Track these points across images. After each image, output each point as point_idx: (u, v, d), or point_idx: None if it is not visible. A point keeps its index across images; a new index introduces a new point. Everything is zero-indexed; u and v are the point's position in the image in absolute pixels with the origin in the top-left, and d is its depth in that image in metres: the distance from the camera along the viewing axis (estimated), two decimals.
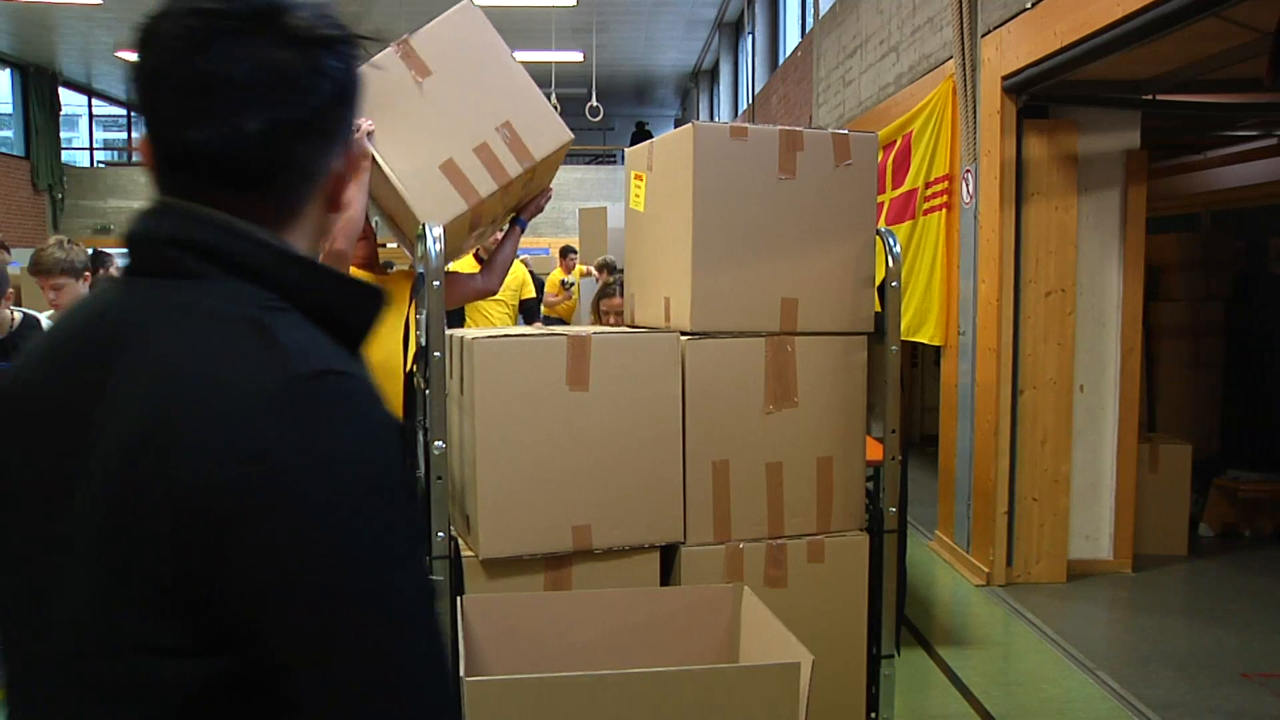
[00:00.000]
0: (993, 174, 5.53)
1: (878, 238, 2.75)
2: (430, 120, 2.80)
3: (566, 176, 22.17)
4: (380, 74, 2.73)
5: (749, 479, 2.62)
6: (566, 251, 10.83)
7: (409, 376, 3.03)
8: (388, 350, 3.11)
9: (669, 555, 2.63)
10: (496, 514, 2.47)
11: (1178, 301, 7.19)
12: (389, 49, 2.80)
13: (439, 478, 2.40)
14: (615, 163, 22.41)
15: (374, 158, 2.74)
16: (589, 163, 22.85)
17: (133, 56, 0.94)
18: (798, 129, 2.62)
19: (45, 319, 3.43)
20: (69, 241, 4.06)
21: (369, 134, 2.73)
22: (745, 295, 2.61)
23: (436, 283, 2.43)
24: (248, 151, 0.92)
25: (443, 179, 2.77)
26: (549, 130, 2.92)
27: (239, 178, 0.93)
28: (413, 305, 2.97)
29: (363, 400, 0.90)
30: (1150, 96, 5.70)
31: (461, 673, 2.05)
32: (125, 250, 0.98)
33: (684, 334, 2.59)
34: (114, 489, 0.86)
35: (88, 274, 4.05)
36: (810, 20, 11.13)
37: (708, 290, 2.58)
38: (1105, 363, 5.72)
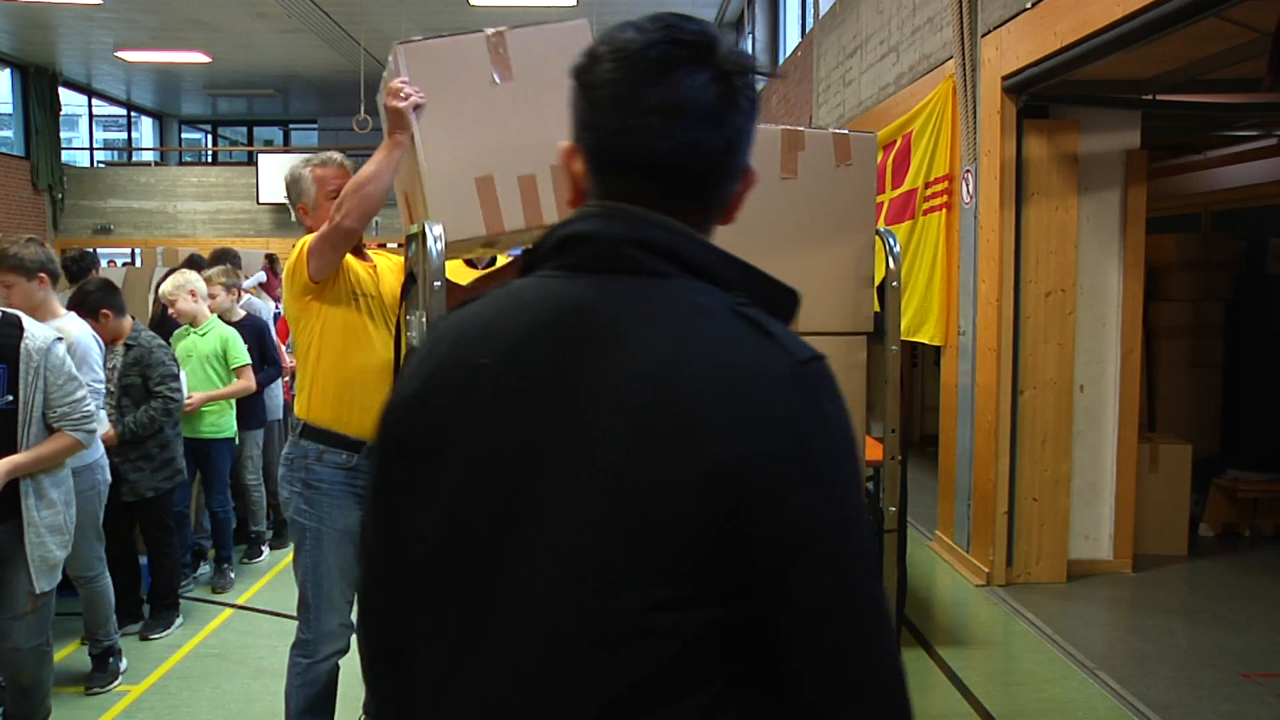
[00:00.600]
0: (993, 174, 5.53)
1: (877, 238, 2.75)
2: (489, 125, 2.59)
3: None
4: (459, 54, 2.58)
5: None
6: None
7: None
8: (384, 357, 3.04)
9: None
10: None
11: (1178, 302, 7.19)
12: (482, 33, 2.60)
13: None
14: None
15: (413, 135, 2.57)
16: None
17: (587, 78, 1.07)
18: (799, 128, 2.63)
19: (26, 318, 3.35)
20: (37, 242, 3.89)
21: (416, 107, 2.55)
22: None
23: (438, 283, 2.40)
24: (701, 162, 1.06)
25: (473, 194, 2.58)
26: None
27: (688, 185, 1.07)
28: (403, 306, 2.92)
29: (835, 379, 1.04)
30: (1150, 96, 5.70)
31: None
32: (560, 248, 1.08)
33: None
34: (624, 464, 0.96)
35: (43, 276, 3.84)
36: (810, 20, 11.13)
37: None
38: (1105, 363, 5.72)
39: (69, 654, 4.49)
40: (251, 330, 5.84)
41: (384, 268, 3.19)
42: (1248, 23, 4.40)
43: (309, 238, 2.93)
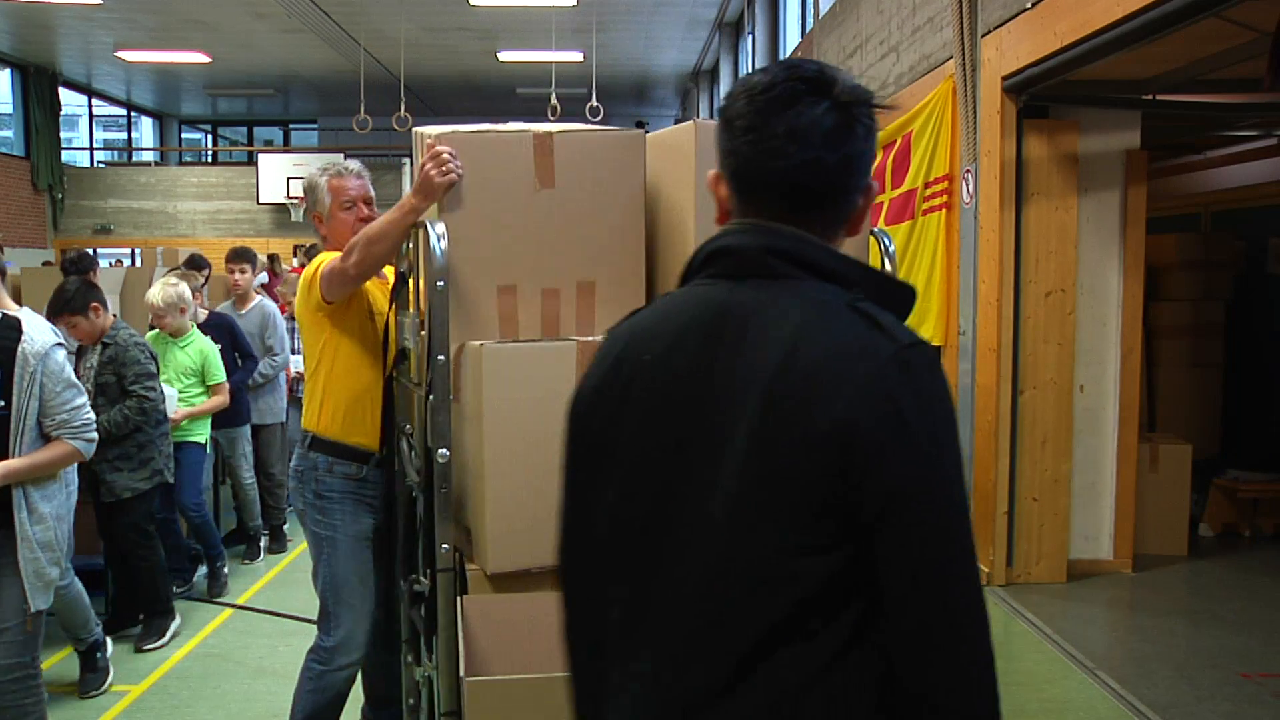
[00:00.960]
0: (993, 174, 5.53)
1: (872, 237, 2.73)
2: (520, 232, 2.46)
3: None
4: (502, 151, 2.43)
5: None
6: None
7: (389, 380, 2.96)
8: (374, 358, 3.05)
9: None
10: (505, 526, 2.38)
11: (1178, 302, 7.19)
12: (527, 130, 2.44)
13: (444, 488, 2.36)
14: None
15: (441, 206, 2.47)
16: None
17: (727, 114, 1.29)
18: None
19: (29, 320, 3.20)
20: None
21: (445, 177, 2.42)
22: None
23: (441, 283, 2.36)
24: (822, 179, 1.25)
25: (493, 301, 2.46)
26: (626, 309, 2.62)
27: (812, 200, 1.26)
28: (393, 308, 2.91)
29: (936, 361, 1.21)
30: (1150, 96, 5.70)
31: (461, 673, 2.05)
32: (708, 260, 1.30)
33: None
34: (757, 431, 1.18)
35: None
36: (810, 20, 11.13)
37: None
38: (1105, 363, 5.72)
39: (62, 658, 4.48)
40: (222, 329, 5.75)
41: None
42: (1248, 23, 4.40)
43: (326, 257, 2.94)
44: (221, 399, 5.42)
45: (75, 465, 3.71)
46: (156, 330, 5.32)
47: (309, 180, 3.17)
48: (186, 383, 5.30)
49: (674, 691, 1.24)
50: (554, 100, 15.70)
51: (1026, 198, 5.52)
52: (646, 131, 2.66)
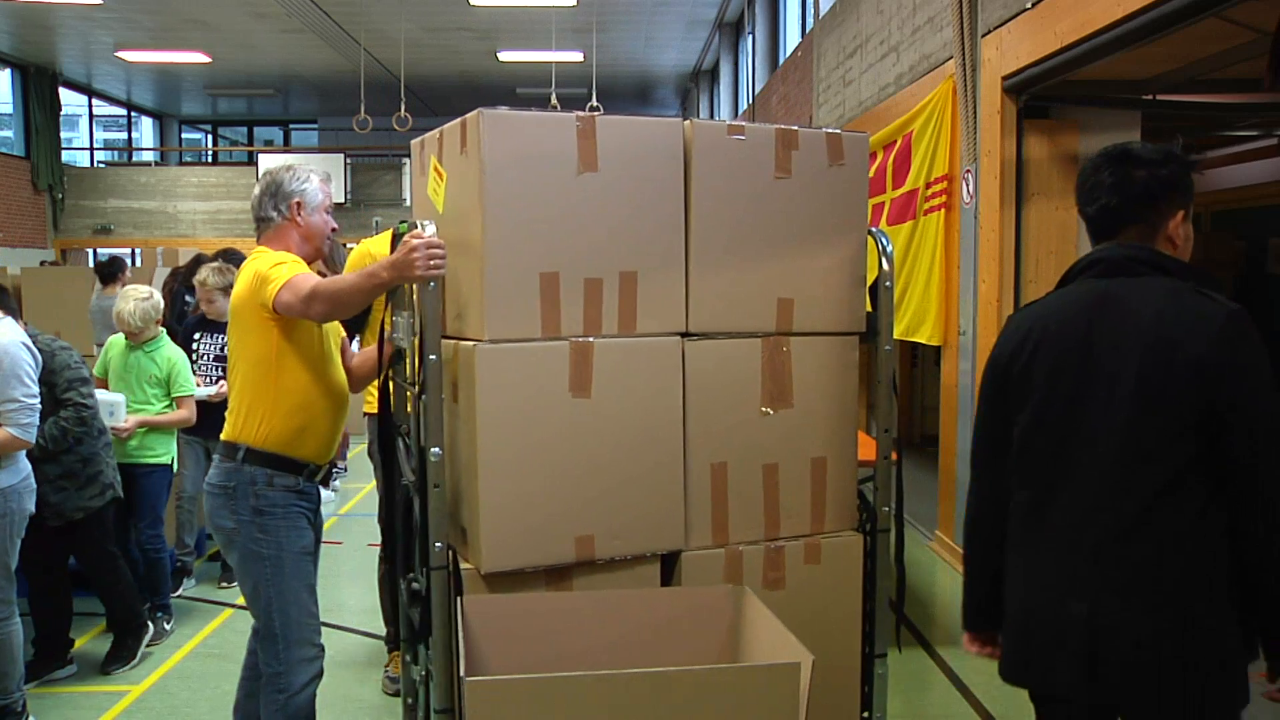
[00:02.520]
0: (993, 174, 5.53)
1: (870, 238, 2.73)
2: (564, 218, 2.39)
3: None
4: (544, 133, 2.37)
5: (746, 480, 2.61)
6: None
7: (385, 379, 2.87)
8: (343, 380, 3.04)
9: (669, 562, 2.58)
10: (499, 525, 2.37)
11: None
12: (573, 114, 2.40)
13: (436, 485, 2.37)
14: None
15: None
16: None
17: (1081, 179, 2.18)
18: (793, 128, 2.60)
19: None
20: None
21: (430, 272, 2.35)
22: (743, 295, 2.58)
23: (433, 283, 2.36)
24: (1141, 213, 2.08)
25: (535, 290, 2.37)
26: (666, 308, 2.49)
27: (1139, 224, 2.09)
28: (388, 309, 2.83)
29: (1250, 320, 1.94)
30: (1150, 96, 5.70)
31: (461, 672, 2.05)
32: (1088, 266, 2.11)
33: (682, 335, 2.54)
34: (1139, 368, 1.96)
35: None
36: (810, 20, 11.13)
37: (706, 290, 2.54)
38: None
39: (85, 641, 4.49)
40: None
41: None
42: (1248, 23, 4.40)
43: (295, 271, 2.80)
44: (187, 414, 4.87)
45: (26, 486, 3.68)
46: (119, 334, 4.88)
47: (298, 170, 3.03)
48: (150, 393, 4.80)
49: (1088, 535, 2.02)
50: (554, 100, 15.72)
51: (1027, 198, 5.52)
52: None
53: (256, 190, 3.01)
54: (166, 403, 4.84)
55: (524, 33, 15.82)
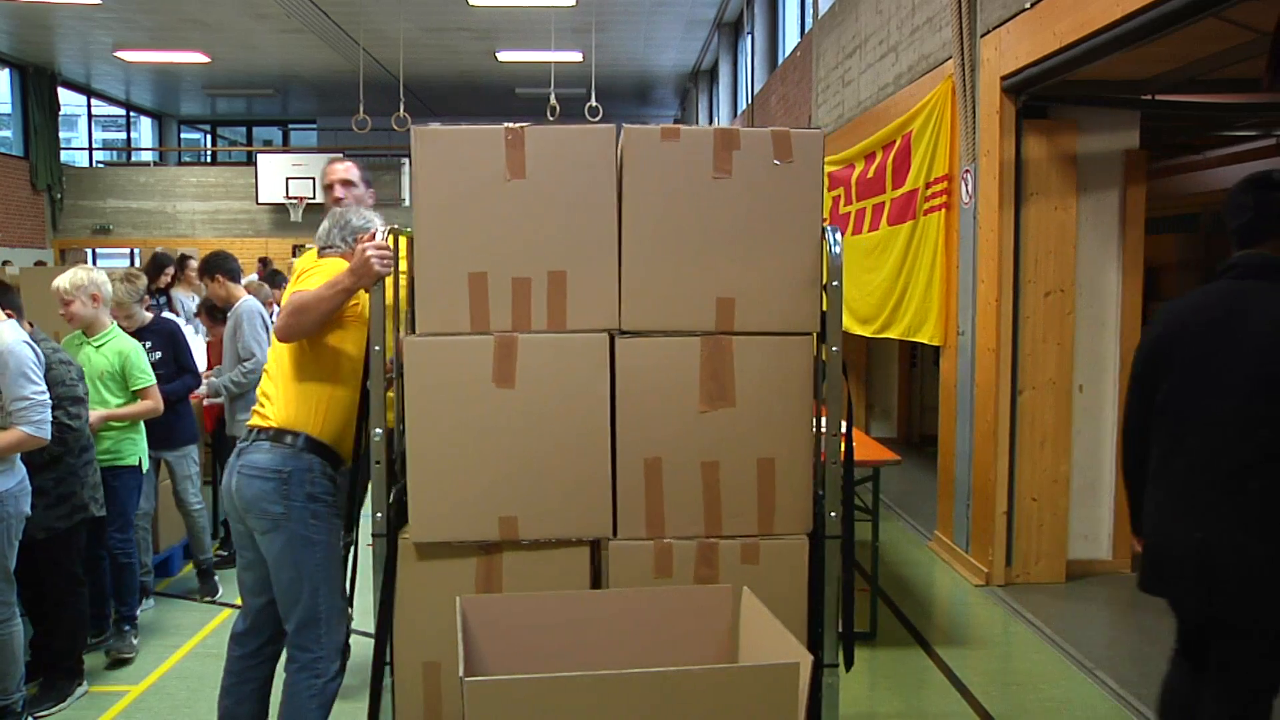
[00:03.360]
0: (992, 174, 5.53)
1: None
2: (490, 222, 2.57)
3: None
4: (474, 145, 2.57)
5: (682, 477, 2.61)
6: None
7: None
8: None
9: (600, 549, 2.65)
10: (426, 501, 2.59)
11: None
12: (500, 127, 2.58)
13: (377, 462, 2.61)
14: None
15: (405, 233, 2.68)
16: None
17: (1227, 203, 2.87)
18: (734, 128, 2.60)
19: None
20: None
21: (385, 266, 2.64)
22: (679, 295, 2.59)
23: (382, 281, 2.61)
24: (1271, 226, 2.77)
25: (464, 289, 2.57)
26: (597, 306, 2.60)
27: (1274, 235, 2.75)
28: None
29: None
30: (1149, 96, 5.70)
31: (461, 673, 2.05)
32: (1228, 269, 2.80)
33: (617, 333, 2.60)
34: (1260, 352, 2.63)
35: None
36: (809, 20, 11.12)
37: (639, 290, 2.59)
38: (1104, 363, 5.72)
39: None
40: (163, 335, 5.17)
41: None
42: (1246, 23, 4.39)
43: (329, 266, 3.01)
44: (151, 404, 4.62)
45: (23, 489, 3.69)
46: (76, 332, 4.62)
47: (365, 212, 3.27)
48: (107, 389, 4.53)
49: (1207, 476, 2.69)
50: (553, 100, 15.70)
51: (1026, 197, 5.52)
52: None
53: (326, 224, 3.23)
54: (126, 397, 4.59)
55: (523, 33, 15.82)
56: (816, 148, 2.63)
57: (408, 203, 19.04)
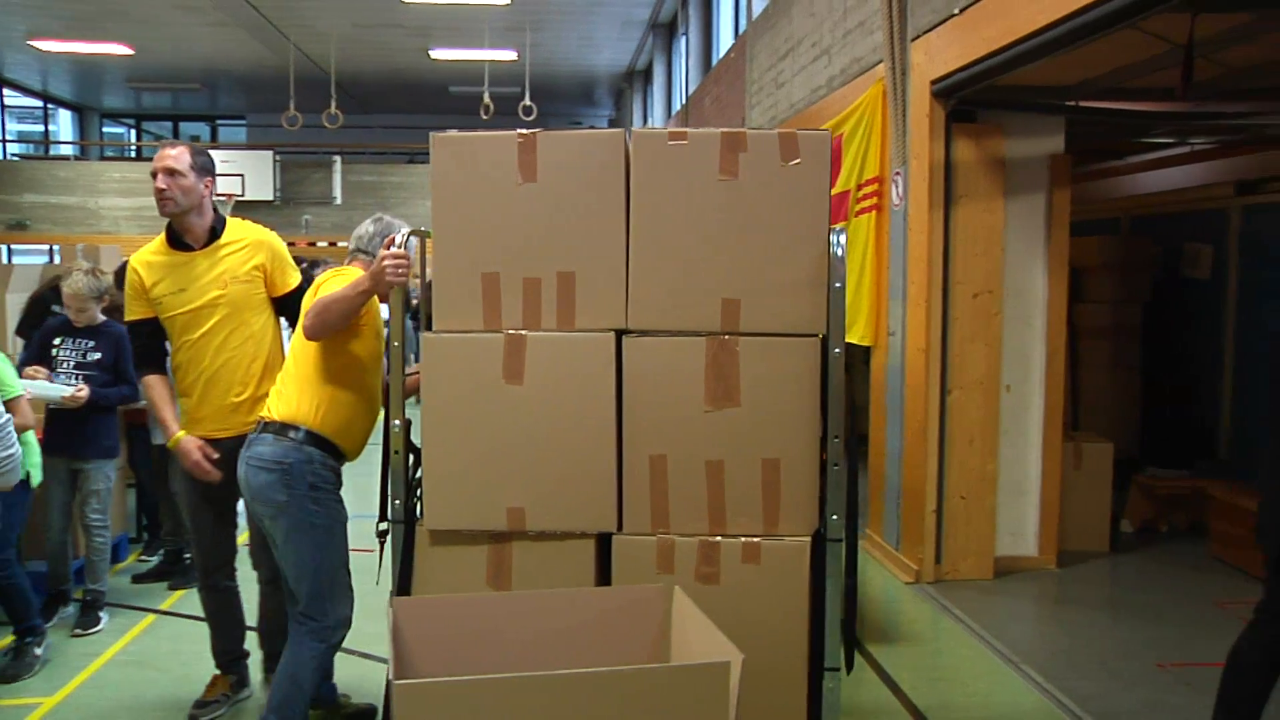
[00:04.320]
0: (922, 176, 5.61)
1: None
2: (503, 224, 2.68)
3: None
4: (487, 150, 2.68)
5: (687, 475, 2.65)
6: None
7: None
8: (374, 375, 3.43)
9: (606, 542, 2.71)
10: (438, 490, 2.71)
11: (1100, 303, 7.36)
12: (515, 132, 2.69)
13: (396, 451, 2.76)
14: None
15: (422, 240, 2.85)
16: None
17: None
18: (741, 130, 2.62)
19: None
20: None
21: (399, 277, 2.76)
22: (685, 295, 2.64)
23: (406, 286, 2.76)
24: None
25: (477, 288, 2.69)
26: (605, 306, 2.68)
27: None
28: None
29: None
30: (1073, 103, 5.83)
31: (391, 676, 2.02)
32: None
33: (624, 332, 2.65)
34: None
35: None
36: (744, 22, 11.20)
37: (646, 290, 2.65)
38: (1031, 363, 5.83)
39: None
40: (110, 339, 4.89)
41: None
42: (1162, 34, 4.52)
43: (335, 279, 3.23)
44: (22, 420, 4.12)
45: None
46: None
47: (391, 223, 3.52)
48: None
49: None
50: (487, 99, 15.60)
51: (955, 200, 5.61)
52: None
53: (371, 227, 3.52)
54: None
55: (457, 30, 15.70)
56: (823, 149, 2.65)
57: (339, 200, 18.81)
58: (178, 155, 3.59)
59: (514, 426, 2.66)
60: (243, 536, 3.81)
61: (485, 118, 15.81)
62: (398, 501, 2.77)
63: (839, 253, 2.61)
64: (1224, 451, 7.08)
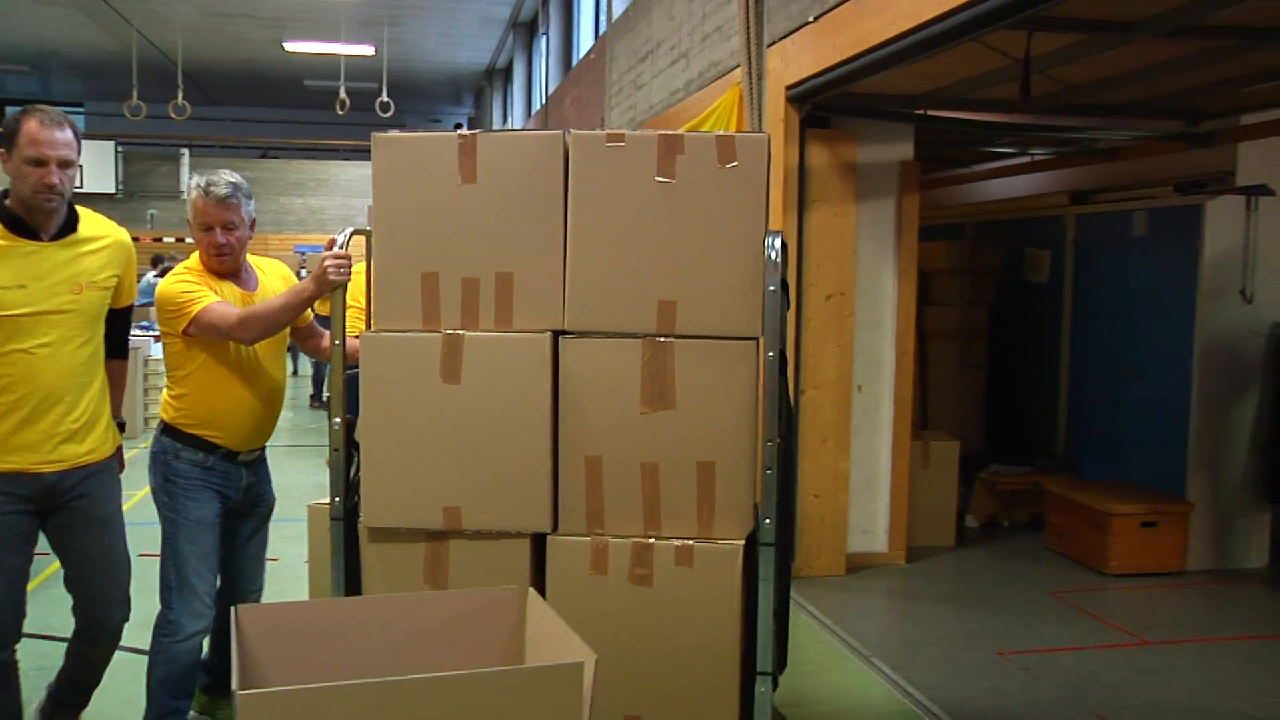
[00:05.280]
0: (776, 180, 5.71)
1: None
2: (442, 224, 2.69)
3: (355, 173, 21.53)
4: (429, 151, 2.69)
5: (623, 476, 2.65)
6: None
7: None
8: (276, 379, 3.47)
9: (542, 542, 2.71)
10: (376, 487, 2.73)
11: (947, 306, 7.64)
12: (452, 133, 2.70)
13: (335, 449, 2.78)
14: None
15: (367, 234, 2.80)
16: None
17: None
18: (678, 133, 2.63)
19: None
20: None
21: (341, 276, 2.83)
22: (621, 296, 2.64)
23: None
24: None
25: (416, 287, 2.70)
26: (542, 307, 2.68)
27: None
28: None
29: None
30: (922, 111, 6.03)
31: (234, 686, 1.94)
32: None
33: (561, 333, 2.66)
34: None
35: None
36: (604, 23, 11.23)
37: (582, 291, 2.65)
38: (881, 364, 6.01)
39: None
40: None
41: (273, 282, 3.49)
42: (1002, 49, 4.72)
43: (204, 302, 3.16)
44: None
45: None
46: None
47: (188, 189, 3.46)
48: None
49: None
50: (343, 94, 15.24)
51: (809, 204, 5.73)
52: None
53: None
54: None
55: (312, 23, 15.28)
56: (761, 151, 2.64)
57: (185, 195, 18.05)
58: (70, 142, 2.96)
59: (450, 426, 2.68)
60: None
61: (341, 113, 15.44)
62: (338, 499, 2.77)
63: (774, 256, 2.61)
64: (1061, 448, 7.45)
